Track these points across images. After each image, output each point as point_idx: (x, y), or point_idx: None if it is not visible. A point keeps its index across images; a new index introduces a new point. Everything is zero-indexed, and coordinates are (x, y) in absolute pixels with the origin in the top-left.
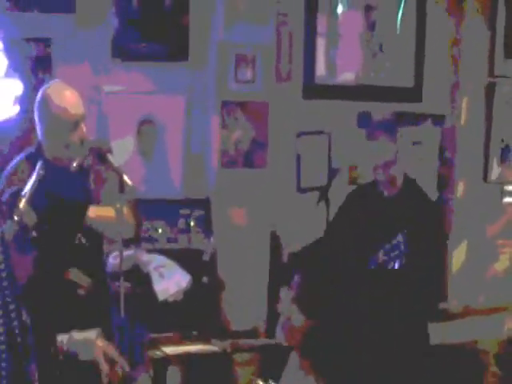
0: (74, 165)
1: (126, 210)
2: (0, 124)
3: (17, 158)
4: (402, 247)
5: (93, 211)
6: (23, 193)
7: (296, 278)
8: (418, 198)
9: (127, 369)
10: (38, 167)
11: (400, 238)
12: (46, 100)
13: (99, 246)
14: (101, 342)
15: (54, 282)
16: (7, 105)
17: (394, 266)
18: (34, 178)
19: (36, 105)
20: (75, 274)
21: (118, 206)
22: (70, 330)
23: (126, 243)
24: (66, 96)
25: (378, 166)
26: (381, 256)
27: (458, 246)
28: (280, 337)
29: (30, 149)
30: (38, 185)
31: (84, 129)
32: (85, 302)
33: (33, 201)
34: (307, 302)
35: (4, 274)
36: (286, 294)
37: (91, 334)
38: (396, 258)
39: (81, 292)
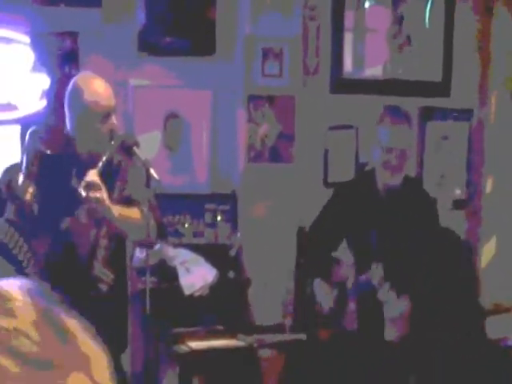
0: (104, 159)
1: (147, 211)
2: (27, 117)
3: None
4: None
5: (117, 210)
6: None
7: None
8: (419, 198)
9: None
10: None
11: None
12: (77, 90)
13: (122, 243)
14: None
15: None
16: (34, 99)
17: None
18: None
19: (66, 95)
20: (99, 269)
21: (144, 209)
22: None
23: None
24: (97, 87)
25: (393, 149)
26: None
27: (487, 242)
28: (391, 331)
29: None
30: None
31: (115, 120)
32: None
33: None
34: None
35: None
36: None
37: None
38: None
39: (103, 287)
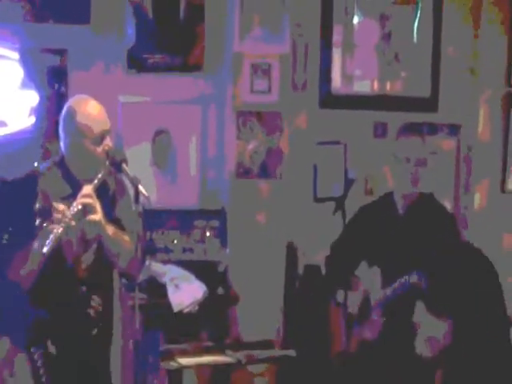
0: (96, 181)
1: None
2: (16, 134)
3: (45, 163)
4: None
5: (111, 230)
6: None
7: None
8: (436, 213)
9: None
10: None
11: (414, 277)
12: (70, 113)
13: (111, 266)
14: None
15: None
16: (23, 115)
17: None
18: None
19: (60, 119)
20: (88, 294)
21: (134, 232)
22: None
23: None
24: (91, 109)
25: (410, 159)
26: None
27: None
28: (424, 351)
29: (56, 158)
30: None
31: (110, 143)
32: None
33: None
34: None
35: None
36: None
37: None
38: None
39: (90, 312)
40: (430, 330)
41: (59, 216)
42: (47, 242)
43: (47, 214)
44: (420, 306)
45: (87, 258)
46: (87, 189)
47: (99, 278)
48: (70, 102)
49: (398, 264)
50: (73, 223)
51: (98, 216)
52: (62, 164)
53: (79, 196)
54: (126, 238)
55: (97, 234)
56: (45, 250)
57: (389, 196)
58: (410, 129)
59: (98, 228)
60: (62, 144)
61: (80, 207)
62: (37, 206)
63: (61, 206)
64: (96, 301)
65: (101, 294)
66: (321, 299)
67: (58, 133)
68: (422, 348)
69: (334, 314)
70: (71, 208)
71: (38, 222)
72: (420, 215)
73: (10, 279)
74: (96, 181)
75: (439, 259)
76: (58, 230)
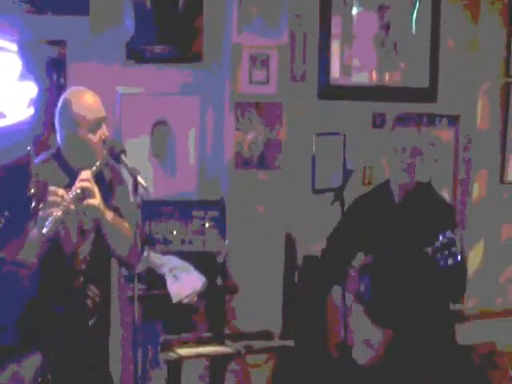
0: (94, 168)
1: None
2: (15, 126)
3: (41, 156)
4: (457, 244)
5: (111, 215)
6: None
7: (363, 286)
8: (433, 202)
9: None
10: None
11: (450, 234)
12: (65, 104)
13: (109, 256)
14: None
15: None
16: (22, 107)
17: (446, 264)
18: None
19: (56, 111)
20: (85, 285)
21: (132, 221)
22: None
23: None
24: (85, 99)
25: (406, 148)
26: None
27: (474, 247)
28: (357, 354)
29: (52, 150)
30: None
31: (106, 131)
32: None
33: None
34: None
35: None
36: (356, 308)
37: None
38: (449, 255)
39: (88, 302)
40: (366, 335)
41: (58, 199)
42: (46, 223)
43: (42, 199)
44: (357, 311)
45: (85, 249)
46: (86, 173)
47: (97, 268)
48: (65, 94)
49: (395, 253)
50: (72, 207)
51: (96, 200)
52: (58, 156)
53: (78, 180)
54: (126, 225)
55: (94, 223)
56: (44, 230)
57: (385, 185)
58: (405, 119)
59: (97, 212)
60: (58, 136)
61: (79, 191)
62: (32, 191)
63: (60, 191)
64: (93, 291)
65: (98, 285)
66: (319, 290)
67: (55, 125)
68: (357, 354)
69: (332, 306)
70: (70, 192)
71: (33, 205)
72: (417, 204)
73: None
74: (94, 168)
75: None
76: (58, 213)
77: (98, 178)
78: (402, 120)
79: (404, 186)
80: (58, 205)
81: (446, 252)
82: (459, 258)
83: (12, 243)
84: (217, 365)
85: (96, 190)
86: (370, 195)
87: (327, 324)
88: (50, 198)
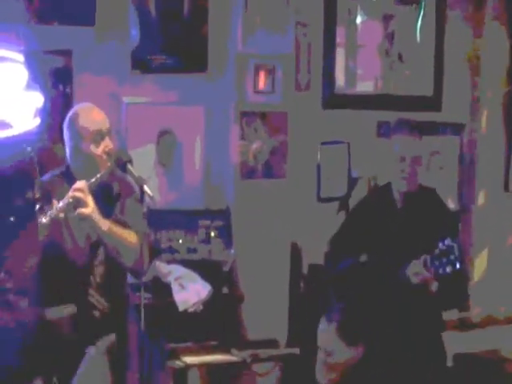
0: (93, 180)
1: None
2: (21, 136)
3: (49, 173)
4: (456, 252)
5: (107, 225)
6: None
7: (338, 305)
8: (436, 208)
9: None
10: None
11: (449, 241)
12: (70, 119)
13: (120, 271)
14: None
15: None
16: (28, 117)
17: (444, 271)
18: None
19: (64, 125)
20: (93, 296)
21: (139, 232)
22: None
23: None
24: (89, 114)
25: (405, 157)
26: (428, 263)
27: (479, 255)
28: (319, 374)
29: (61, 168)
30: None
31: (110, 144)
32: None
33: None
34: (353, 330)
35: None
36: (327, 327)
37: None
38: (448, 263)
39: (96, 314)
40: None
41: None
42: None
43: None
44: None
45: (98, 263)
46: (80, 183)
47: (111, 282)
48: (71, 110)
49: (398, 256)
50: (61, 215)
51: (88, 210)
52: (67, 173)
53: (71, 189)
54: (130, 236)
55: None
56: None
57: (387, 187)
58: (404, 126)
59: (90, 222)
60: (66, 151)
61: (71, 200)
62: (37, 196)
63: (53, 201)
64: (102, 303)
65: (109, 298)
66: (325, 298)
67: (63, 135)
68: (320, 375)
69: None
70: (61, 201)
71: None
72: (419, 209)
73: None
74: (94, 179)
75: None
76: (43, 219)
77: (104, 190)
78: (399, 127)
79: (405, 193)
80: (45, 213)
81: (445, 260)
82: (458, 265)
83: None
84: (222, 373)
85: (89, 199)
86: (371, 197)
87: None
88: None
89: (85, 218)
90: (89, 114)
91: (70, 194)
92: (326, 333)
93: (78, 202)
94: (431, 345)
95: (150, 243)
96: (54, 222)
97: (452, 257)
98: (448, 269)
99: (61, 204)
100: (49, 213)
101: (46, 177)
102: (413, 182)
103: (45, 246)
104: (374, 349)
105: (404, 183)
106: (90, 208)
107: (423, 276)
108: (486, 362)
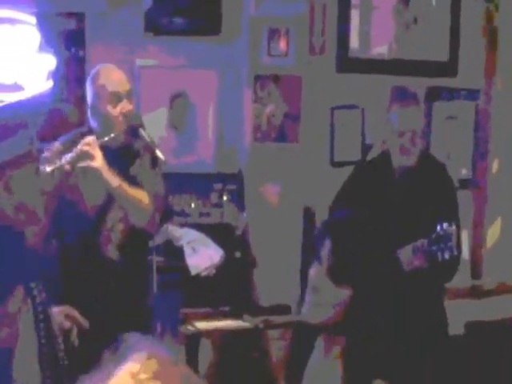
0: (106, 138)
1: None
2: (36, 98)
3: (71, 133)
4: (454, 238)
5: (117, 182)
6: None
7: (328, 246)
8: (441, 186)
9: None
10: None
11: (448, 227)
12: (92, 76)
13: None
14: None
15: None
16: (40, 79)
17: (443, 256)
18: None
19: (87, 82)
20: (113, 252)
21: (151, 192)
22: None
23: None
24: (111, 74)
25: (405, 132)
26: (426, 246)
27: (492, 223)
28: (309, 314)
29: (83, 128)
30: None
31: (128, 106)
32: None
33: None
34: (342, 272)
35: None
36: (317, 269)
37: None
38: (446, 248)
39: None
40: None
41: (48, 156)
42: None
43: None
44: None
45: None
46: (89, 138)
47: (131, 241)
48: (94, 69)
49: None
50: (67, 167)
51: (95, 163)
52: (88, 133)
53: (80, 143)
54: (142, 196)
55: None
56: None
57: (386, 153)
58: (403, 95)
59: (99, 176)
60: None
61: (78, 153)
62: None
63: (56, 148)
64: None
65: (129, 254)
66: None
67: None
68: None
69: None
70: (70, 153)
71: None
72: (423, 181)
73: None
74: (106, 138)
75: None
76: (46, 168)
77: (123, 150)
78: (398, 96)
79: (408, 167)
80: (48, 161)
81: (443, 245)
82: (455, 251)
83: None
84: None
85: (98, 153)
86: (370, 163)
87: None
88: (44, 154)
89: (92, 170)
90: (108, 75)
91: (79, 147)
92: (316, 269)
93: (85, 156)
94: (426, 304)
95: (160, 205)
96: (64, 175)
97: (450, 243)
98: (446, 255)
99: (68, 156)
100: (54, 161)
101: (68, 136)
102: (412, 156)
103: (60, 202)
104: (362, 293)
105: (404, 158)
106: (98, 162)
107: (413, 265)
108: (498, 330)
